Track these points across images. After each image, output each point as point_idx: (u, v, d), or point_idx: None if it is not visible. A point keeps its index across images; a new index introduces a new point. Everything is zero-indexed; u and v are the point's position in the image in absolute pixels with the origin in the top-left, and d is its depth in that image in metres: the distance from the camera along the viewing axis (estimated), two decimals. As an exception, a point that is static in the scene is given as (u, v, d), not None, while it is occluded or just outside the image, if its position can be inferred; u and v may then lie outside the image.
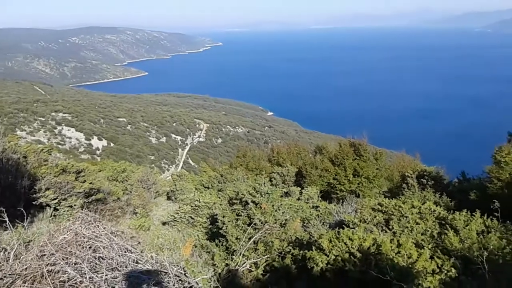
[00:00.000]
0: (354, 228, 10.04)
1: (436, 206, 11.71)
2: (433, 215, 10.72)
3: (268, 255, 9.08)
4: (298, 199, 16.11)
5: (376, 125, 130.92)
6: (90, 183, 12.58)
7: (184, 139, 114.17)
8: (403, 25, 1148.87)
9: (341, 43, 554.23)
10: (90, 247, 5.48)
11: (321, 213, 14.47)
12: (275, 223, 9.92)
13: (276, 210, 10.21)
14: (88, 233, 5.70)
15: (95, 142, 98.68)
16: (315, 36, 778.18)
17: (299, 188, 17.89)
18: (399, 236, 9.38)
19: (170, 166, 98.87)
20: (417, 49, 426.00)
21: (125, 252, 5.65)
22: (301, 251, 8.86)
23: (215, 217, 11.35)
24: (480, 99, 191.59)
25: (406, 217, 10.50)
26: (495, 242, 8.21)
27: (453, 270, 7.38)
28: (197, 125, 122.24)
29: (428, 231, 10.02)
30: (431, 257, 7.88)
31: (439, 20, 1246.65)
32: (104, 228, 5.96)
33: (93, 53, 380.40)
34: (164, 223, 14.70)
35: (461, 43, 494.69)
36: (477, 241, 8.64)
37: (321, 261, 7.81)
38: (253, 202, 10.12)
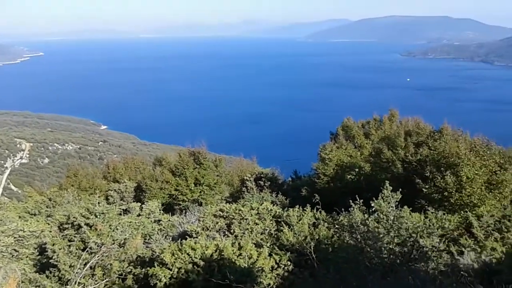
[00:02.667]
0: (197, 237, 10.04)
1: (273, 205, 12.54)
2: (270, 214, 11.43)
3: (107, 279, 8.48)
4: (139, 215, 15.43)
5: (213, 132, 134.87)
6: None
7: (2, 162, 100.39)
8: (231, 35, 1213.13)
9: (170, 52, 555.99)
10: None
11: (163, 227, 14.16)
12: (113, 243, 9.32)
13: (113, 230, 9.59)
14: None
15: None
16: (144, 45, 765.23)
17: (139, 204, 17.18)
18: (240, 239, 9.70)
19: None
20: (244, 58, 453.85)
21: None
22: (143, 269, 8.49)
23: (43, 246, 10.31)
24: (304, 102, 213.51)
25: (246, 219, 10.96)
26: (324, 233, 9.11)
27: (289, 264, 7.92)
28: (18, 145, 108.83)
29: (266, 230, 10.63)
30: (270, 255, 8.32)
31: (266, 30, 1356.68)
32: None
33: None
34: (-21, 262, 12.55)
35: (286, 52, 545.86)
36: (309, 233, 9.47)
37: (164, 276, 7.57)
38: (86, 224, 9.35)
